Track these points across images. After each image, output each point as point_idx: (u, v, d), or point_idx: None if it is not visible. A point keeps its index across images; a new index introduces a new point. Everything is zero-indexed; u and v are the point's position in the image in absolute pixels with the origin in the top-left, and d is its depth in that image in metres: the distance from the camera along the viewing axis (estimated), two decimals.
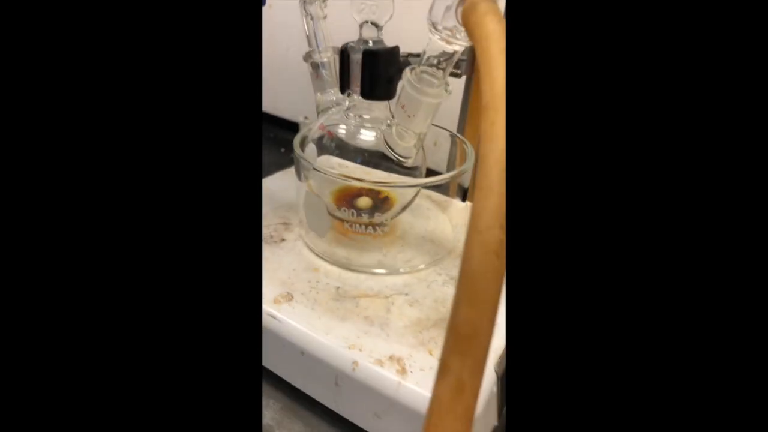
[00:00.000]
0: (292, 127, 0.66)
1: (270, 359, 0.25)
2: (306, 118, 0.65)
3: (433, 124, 0.30)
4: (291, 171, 0.38)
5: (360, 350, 0.21)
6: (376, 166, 0.30)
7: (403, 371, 0.21)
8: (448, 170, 0.37)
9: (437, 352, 0.22)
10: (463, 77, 0.33)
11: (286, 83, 0.62)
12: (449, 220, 0.32)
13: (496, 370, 0.21)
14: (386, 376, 0.20)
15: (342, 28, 0.28)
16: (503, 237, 0.12)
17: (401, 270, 0.27)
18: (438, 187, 0.35)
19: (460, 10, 0.19)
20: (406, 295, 0.25)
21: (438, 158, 0.35)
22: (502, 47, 0.15)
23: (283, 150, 0.61)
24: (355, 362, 0.21)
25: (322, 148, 0.30)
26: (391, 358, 0.21)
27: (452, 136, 0.31)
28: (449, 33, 0.20)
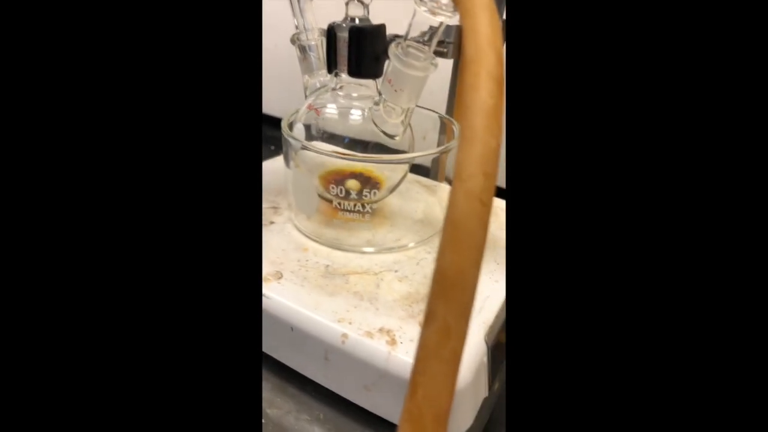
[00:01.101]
0: (281, 125, 0.66)
1: None
2: None
3: (421, 107, 0.30)
4: (279, 159, 0.38)
5: (349, 323, 0.21)
6: (364, 150, 0.30)
7: (392, 342, 0.21)
8: (434, 161, 0.37)
9: None
10: (451, 60, 0.33)
11: (274, 80, 0.62)
12: (438, 202, 0.32)
13: (486, 341, 0.21)
14: (376, 347, 0.20)
15: (329, 11, 0.29)
16: (488, 184, 0.12)
17: (390, 248, 0.27)
18: (427, 173, 0.35)
19: None
20: (396, 271, 0.25)
21: (427, 148, 0.35)
22: (484, 4, 0.15)
23: (272, 148, 0.61)
24: (344, 335, 0.21)
25: (311, 137, 0.30)
26: (380, 330, 0.21)
27: (440, 117, 0.31)
28: (435, 4, 0.21)
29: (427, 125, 0.32)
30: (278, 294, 0.23)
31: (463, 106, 0.13)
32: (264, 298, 0.23)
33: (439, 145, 0.36)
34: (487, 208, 0.12)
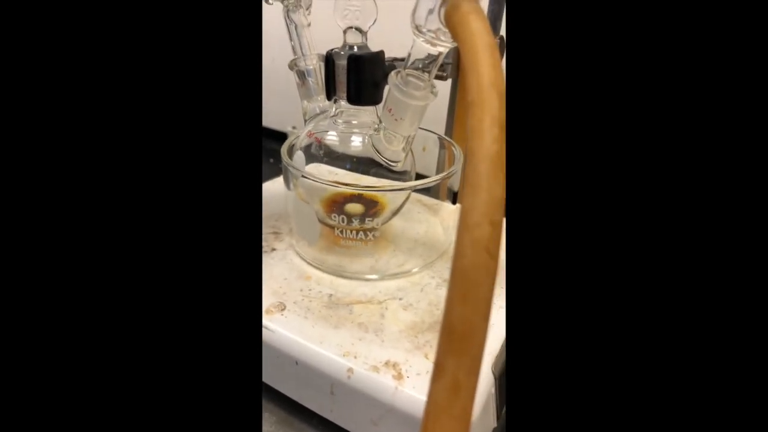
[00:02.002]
0: (280, 137, 0.65)
1: (264, 371, 0.24)
2: (294, 127, 0.64)
3: (420, 128, 0.30)
4: (280, 180, 0.37)
5: (355, 357, 0.21)
6: (365, 172, 0.30)
7: (399, 376, 0.20)
8: (437, 174, 0.37)
9: (434, 355, 0.21)
10: (449, 80, 0.33)
11: (272, 93, 0.62)
12: (440, 222, 0.32)
13: (493, 371, 0.21)
14: (382, 382, 0.20)
15: (326, 35, 0.28)
16: (495, 233, 0.12)
17: (394, 274, 0.26)
18: (428, 191, 0.35)
19: (442, 11, 0.19)
20: (400, 299, 0.25)
21: (427, 162, 0.35)
22: (486, 43, 0.15)
23: (271, 160, 0.61)
24: (350, 369, 0.21)
25: (311, 157, 0.30)
26: (386, 363, 0.21)
27: (440, 139, 0.31)
28: (433, 35, 0.20)
29: (427, 141, 0.32)
30: (282, 327, 0.23)
31: (468, 152, 0.13)
32: (268, 331, 0.23)
33: (439, 159, 0.36)
34: (494, 258, 0.12)
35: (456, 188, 0.35)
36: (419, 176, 0.32)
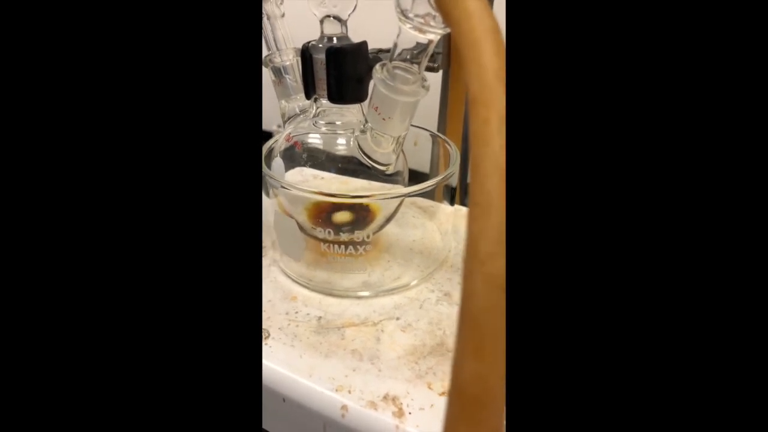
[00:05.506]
0: (265, 138, 0.63)
1: None
2: (279, 126, 0.62)
3: (412, 125, 0.28)
4: None
5: (349, 392, 0.19)
6: (354, 174, 0.27)
7: (400, 413, 0.18)
8: (431, 172, 0.34)
9: (438, 384, 0.19)
10: (440, 71, 0.30)
11: None
12: (438, 227, 0.29)
13: None
14: (381, 420, 0.18)
15: (303, 26, 0.26)
16: None
17: (389, 290, 0.24)
18: (423, 192, 0.32)
19: None
20: (397, 319, 0.22)
21: (419, 158, 0.32)
22: (489, 26, 0.12)
23: None
24: (344, 407, 0.18)
25: (293, 160, 0.27)
26: (385, 397, 0.18)
27: (433, 136, 0.29)
28: (422, 21, 0.18)
29: (418, 137, 0.30)
30: (266, 358, 0.20)
31: (473, 162, 0.11)
32: None
33: (433, 156, 0.33)
34: None
35: (454, 184, 0.32)
36: (413, 173, 0.30)
